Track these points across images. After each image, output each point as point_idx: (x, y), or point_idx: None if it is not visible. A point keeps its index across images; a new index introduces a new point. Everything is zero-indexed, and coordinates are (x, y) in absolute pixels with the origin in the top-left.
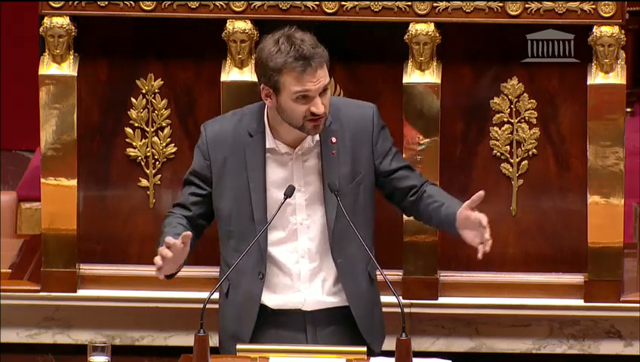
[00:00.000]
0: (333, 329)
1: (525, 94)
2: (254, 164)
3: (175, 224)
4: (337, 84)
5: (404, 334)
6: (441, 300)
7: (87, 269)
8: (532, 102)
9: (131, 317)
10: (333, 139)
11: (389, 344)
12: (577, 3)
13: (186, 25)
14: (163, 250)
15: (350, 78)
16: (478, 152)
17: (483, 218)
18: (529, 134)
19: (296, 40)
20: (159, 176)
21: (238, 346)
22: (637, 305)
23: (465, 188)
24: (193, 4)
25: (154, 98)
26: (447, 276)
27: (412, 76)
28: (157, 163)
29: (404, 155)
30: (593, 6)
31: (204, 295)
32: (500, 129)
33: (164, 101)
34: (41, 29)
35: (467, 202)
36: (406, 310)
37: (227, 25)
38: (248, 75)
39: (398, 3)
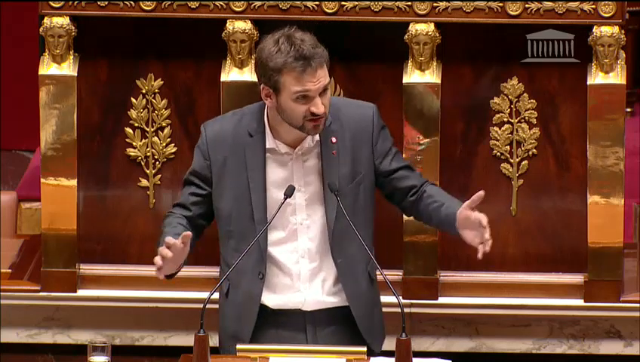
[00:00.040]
0: (333, 329)
1: (525, 94)
2: (254, 164)
3: (175, 224)
4: (337, 84)
5: (404, 334)
6: (441, 300)
7: (87, 269)
8: (532, 102)
9: (131, 317)
10: (333, 139)
11: (389, 344)
12: (577, 3)
13: (186, 25)
14: (163, 250)
15: (350, 78)
16: (478, 152)
17: (483, 218)
18: (529, 134)
19: (296, 40)
20: (159, 176)
21: (238, 346)
22: (637, 305)
23: (465, 188)
24: (193, 4)
25: (154, 98)
26: (447, 276)
27: (412, 76)
28: (157, 163)
29: (404, 155)
30: (593, 6)
31: (204, 295)
32: (499, 129)
33: (164, 101)
34: (41, 29)
35: (467, 202)
36: (406, 310)
37: (227, 25)
38: (248, 75)
39: (398, 3)
